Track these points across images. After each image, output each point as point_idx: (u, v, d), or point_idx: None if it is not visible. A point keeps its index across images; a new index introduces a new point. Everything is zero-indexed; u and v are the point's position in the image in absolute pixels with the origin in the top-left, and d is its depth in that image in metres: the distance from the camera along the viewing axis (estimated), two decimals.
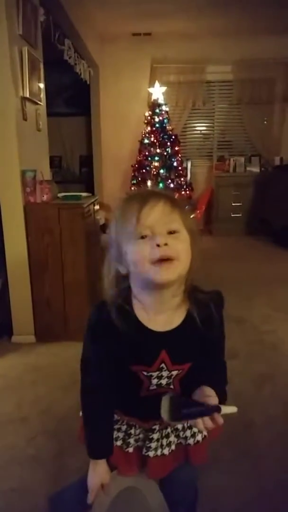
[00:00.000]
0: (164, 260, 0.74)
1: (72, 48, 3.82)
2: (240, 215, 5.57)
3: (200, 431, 0.96)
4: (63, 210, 2.42)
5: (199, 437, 0.97)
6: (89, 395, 0.91)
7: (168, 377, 0.86)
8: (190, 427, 0.96)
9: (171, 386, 0.87)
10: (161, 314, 0.82)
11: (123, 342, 0.82)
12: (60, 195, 2.73)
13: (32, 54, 2.46)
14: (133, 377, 0.86)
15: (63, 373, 2.17)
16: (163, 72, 5.49)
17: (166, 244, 0.74)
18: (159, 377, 0.85)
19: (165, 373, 0.85)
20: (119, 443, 0.95)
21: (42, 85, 2.74)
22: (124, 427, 0.96)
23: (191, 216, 0.83)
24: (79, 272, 2.52)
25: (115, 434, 0.95)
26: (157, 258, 0.74)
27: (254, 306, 3.04)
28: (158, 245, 0.74)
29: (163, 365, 0.83)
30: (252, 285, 3.51)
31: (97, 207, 3.20)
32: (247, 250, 4.94)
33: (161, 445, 0.93)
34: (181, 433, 0.96)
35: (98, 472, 0.91)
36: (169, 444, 0.94)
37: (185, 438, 0.96)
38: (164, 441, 0.94)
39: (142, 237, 0.76)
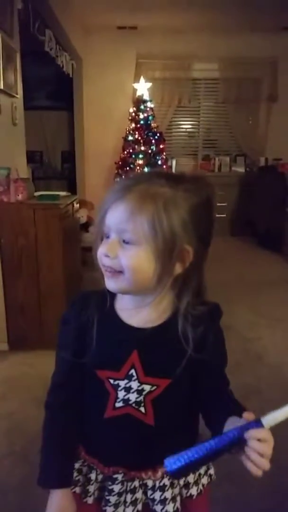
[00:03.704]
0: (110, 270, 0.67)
1: (53, 39, 3.65)
2: (225, 215, 5.48)
3: (173, 500, 0.76)
4: (39, 211, 2.27)
5: (169, 508, 0.75)
6: (51, 409, 0.79)
7: (138, 392, 0.71)
8: (161, 488, 0.75)
9: (142, 408, 0.71)
10: (140, 311, 0.71)
11: (93, 331, 0.72)
12: (36, 194, 2.58)
13: (7, 43, 2.31)
14: (99, 388, 0.73)
15: (37, 386, 2.03)
16: (149, 67, 5.35)
17: (112, 255, 0.66)
18: (127, 389, 0.71)
19: (134, 385, 0.70)
20: (77, 489, 0.79)
21: (19, 77, 2.58)
22: (85, 469, 0.80)
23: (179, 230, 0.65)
24: (56, 276, 2.38)
25: (75, 475, 0.80)
26: (103, 265, 0.68)
27: (239, 311, 2.96)
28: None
29: (133, 371, 0.70)
30: (236, 289, 3.43)
31: (77, 206, 3.06)
32: (232, 251, 4.87)
33: (124, 502, 0.76)
34: (149, 492, 0.77)
35: (57, 502, 0.74)
36: (134, 503, 0.76)
37: (152, 500, 0.76)
38: (128, 497, 0.76)
39: (108, 236, 0.67)
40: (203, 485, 0.81)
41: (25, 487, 1.43)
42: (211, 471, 0.84)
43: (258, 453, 0.54)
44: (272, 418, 0.55)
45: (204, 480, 0.81)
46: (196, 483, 0.79)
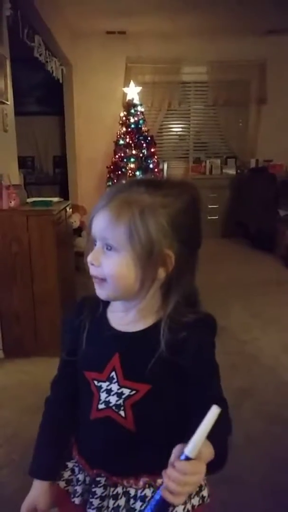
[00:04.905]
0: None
1: (43, 45, 3.65)
2: (217, 217, 5.51)
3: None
4: (32, 217, 2.27)
5: None
6: (47, 403, 0.84)
7: (118, 395, 0.71)
8: (142, 499, 0.73)
9: (121, 412, 0.71)
10: (127, 314, 0.73)
11: (84, 334, 0.76)
12: (29, 200, 2.57)
13: None
14: (87, 389, 0.75)
15: (32, 393, 2.02)
16: (138, 72, 5.38)
17: (96, 263, 0.68)
18: (108, 392, 0.72)
19: (114, 387, 0.72)
20: (70, 488, 0.81)
21: (9, 83, 2.58)
22: (76, 469, 0.80)
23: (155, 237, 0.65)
24: (50, 282, 2.38)
25: (67, 474, 0.81)
26: (90, 274, 0.70)
27: (233, 313, 2.97)
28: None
29: (113, 374, 0.72)
30: (229, 291, 3.45)
31: (69, 211, 3.06)
32: (224, 253, 4.89)
33: (107, 507, 0.75)
34: (131, 501, 0.74)
35: (33, 491, 0.79)
36: (116, 509, 0.74)
37: (133, 510, 0.74)
38: (110, 503, 0.74)
39: (95, 245, 0.70)
40: (193, 506, 0.76)
41: (24, 496, 1.42)
42: (204, 493, 0.78)
43: (180, 483, 0.52)
44: (192, 446, 0.52)
45: (195, 501, 0.76)
46: (183, 502, 0.74)
